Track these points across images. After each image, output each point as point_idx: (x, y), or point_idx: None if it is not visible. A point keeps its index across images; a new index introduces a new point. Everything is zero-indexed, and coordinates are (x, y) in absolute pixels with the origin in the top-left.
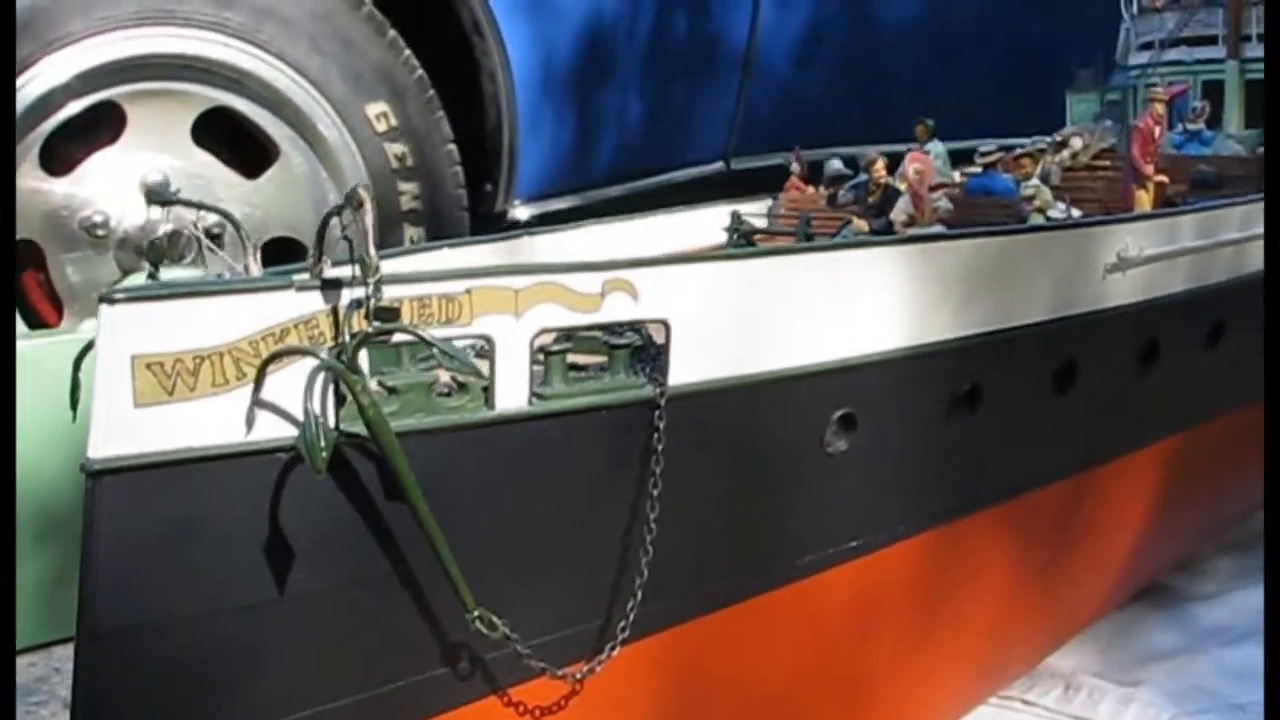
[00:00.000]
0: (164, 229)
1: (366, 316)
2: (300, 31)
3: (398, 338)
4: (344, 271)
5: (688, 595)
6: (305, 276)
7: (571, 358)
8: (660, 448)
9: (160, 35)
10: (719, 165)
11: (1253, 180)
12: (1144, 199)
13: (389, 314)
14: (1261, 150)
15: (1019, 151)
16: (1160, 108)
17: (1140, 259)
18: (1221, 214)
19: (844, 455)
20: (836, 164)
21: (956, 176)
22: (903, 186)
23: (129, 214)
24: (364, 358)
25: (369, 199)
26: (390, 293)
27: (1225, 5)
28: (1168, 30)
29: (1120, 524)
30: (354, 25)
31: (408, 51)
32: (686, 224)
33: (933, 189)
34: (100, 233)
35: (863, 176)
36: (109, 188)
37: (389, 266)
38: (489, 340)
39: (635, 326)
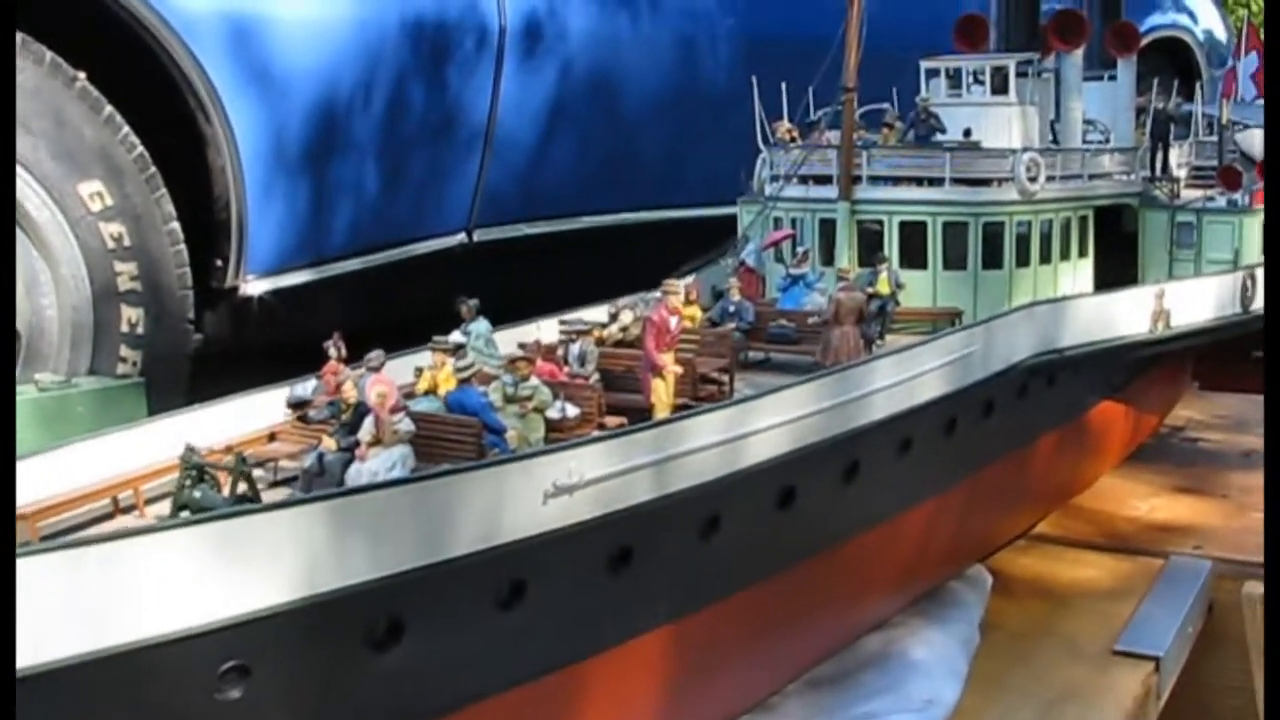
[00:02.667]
0: None
1: None
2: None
3: None
4: None
5: None
6: None
7: None
8: None
9: None
10: (461, 237)
11: (818, 335)
12: (660, 389)
13: None
14: (871, 289)
15: (518, 354)
16: (674, 299)
17: (583, 483)
18: (695, 422)
19: (240, 701)
20: (300, 389)
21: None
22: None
23: None
24: None
25: None
26: None
27: (840, 148)
28: (789, 164)
29: (619, 709)
30: (66, 102)
31: (126, 128)
32: (210, 421)
33: (393, 411)
34: None
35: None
36: None
37: None
38: None
39: None
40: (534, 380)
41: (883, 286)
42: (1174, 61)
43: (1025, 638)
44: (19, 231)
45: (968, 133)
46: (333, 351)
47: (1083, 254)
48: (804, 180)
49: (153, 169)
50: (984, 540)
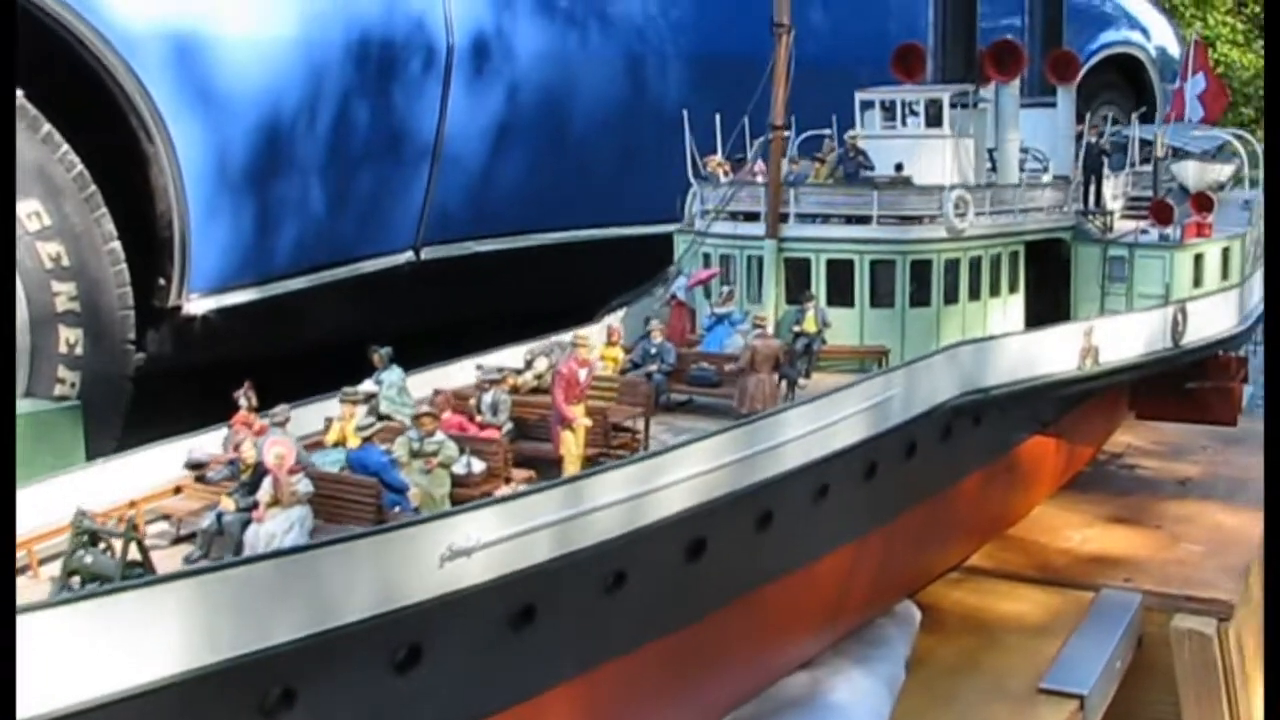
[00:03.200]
0: None
1: None
2: None
3: None
4: None
5: None
6: None
7: None
8: None
9: None
10: (409, 255)
11: (736, 376)
12: (570, 441)
13: None
14: (798, 327)
15: (423, 410)
16: (584, 351)
17: (480, 546)
18: (597, 481)
19: None
20: (199, 452)
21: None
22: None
23: None
24: None
25: None
26: None
27: (768, 185)
28: (718, 199)
29: None
30: None
31: (65, 147)
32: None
33: (292, 472)
34: None
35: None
36: None
37: None
38: None
39: None
40: (439, 435)
41: (809, 325)
42: (1128, 77)
43: (952, 675)
44: None
45: (899, 167)
46: (243, 401)
47: (1013, 289)
48: (733, 216)
49: (92, 188)
50: (909, 579)
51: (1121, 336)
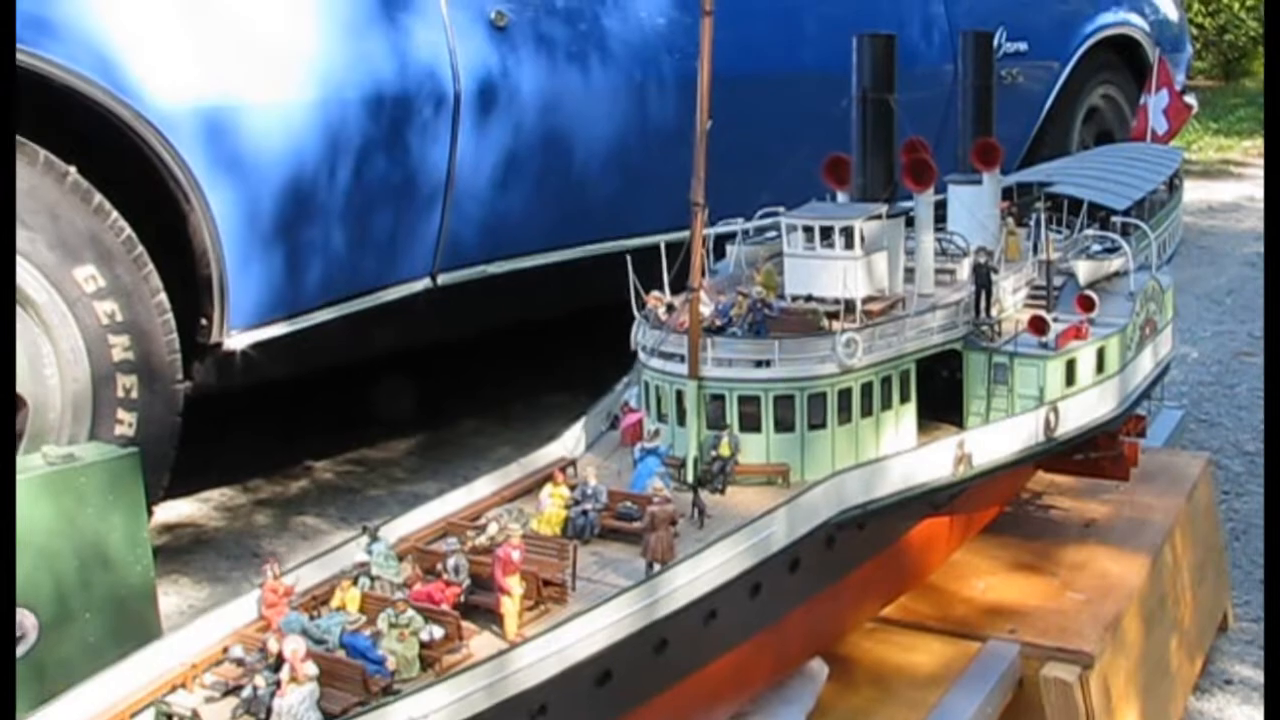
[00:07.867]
0: None
1: None
2: None
3: None
4: None
5: None
6: None
7: None
8: None
9: None
10: (426, 282)
11: (665, 516)
12: (508, 604)
13: None
14: (715, 452)
15: (397, 597)
16: (515, 538)
17: (432, 711)
18: (520, 652)
19: None
20: (235, 652)
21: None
22: None
23: None
24: None
25: None
26: None
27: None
28: (652, 340)
29: None
30: (59, 197)
31: (115, 214)
32: None
33: (304, 659)
34: None
35: None
36: None
37: None
38: None
39: None
40: (409, 613)
41: (724, 449)
42: (1125, 57)
43: None
44: (23, 313)
45: (809, 298)
46: (269, 572)
47: (905, 400)
48: (662, 355)
49: (139, 249)
50: (807, 653)
51: (993, 442)
